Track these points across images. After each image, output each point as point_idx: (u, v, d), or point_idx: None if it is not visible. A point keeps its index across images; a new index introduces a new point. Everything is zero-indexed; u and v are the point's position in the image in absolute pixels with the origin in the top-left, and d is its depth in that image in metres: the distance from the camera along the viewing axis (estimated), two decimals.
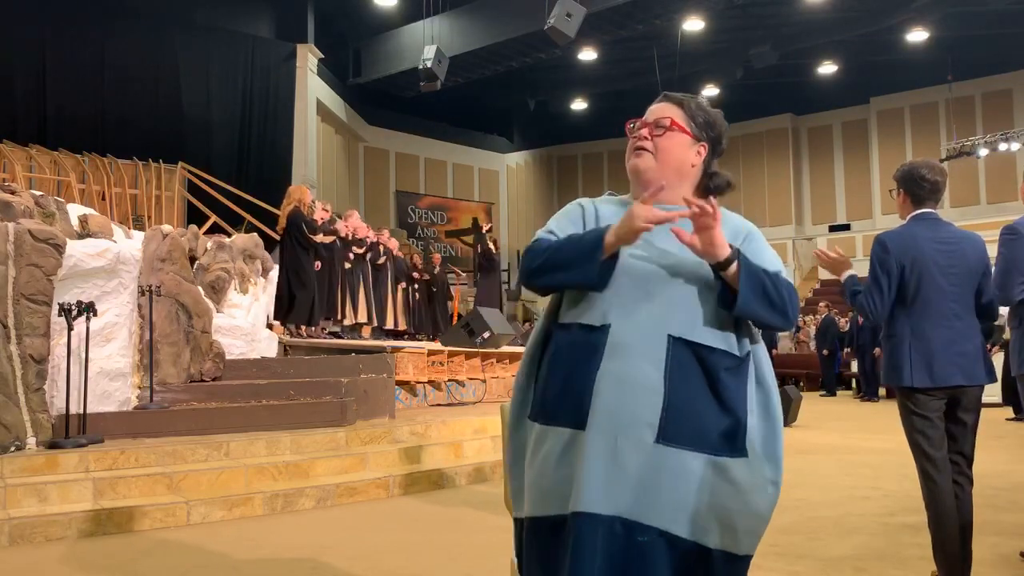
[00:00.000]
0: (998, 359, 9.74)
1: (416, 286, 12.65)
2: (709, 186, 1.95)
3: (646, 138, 1.88)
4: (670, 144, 1.87)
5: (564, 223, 1.92)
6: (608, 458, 1.69)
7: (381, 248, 11.17)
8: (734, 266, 1.74)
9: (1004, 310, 4.26)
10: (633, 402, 1.70)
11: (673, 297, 1.77)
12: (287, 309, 8.88)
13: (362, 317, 10.47)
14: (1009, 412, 10.29)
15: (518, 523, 1.90)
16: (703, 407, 1.72)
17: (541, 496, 1.78)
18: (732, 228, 1.87)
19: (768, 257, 1.85)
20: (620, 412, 1.70)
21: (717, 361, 1.75)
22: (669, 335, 1.74)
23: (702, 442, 1.71)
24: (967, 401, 3.16)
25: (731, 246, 1.76)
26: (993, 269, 3.37)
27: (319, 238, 9.25)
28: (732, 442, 1.73)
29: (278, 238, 9.46)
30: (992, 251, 3.32)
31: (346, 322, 10.17)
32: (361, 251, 10.42)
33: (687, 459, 1.69)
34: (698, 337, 1.75)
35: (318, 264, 9.22)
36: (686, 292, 1.78)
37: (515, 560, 2.00)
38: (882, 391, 13.81)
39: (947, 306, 3.12)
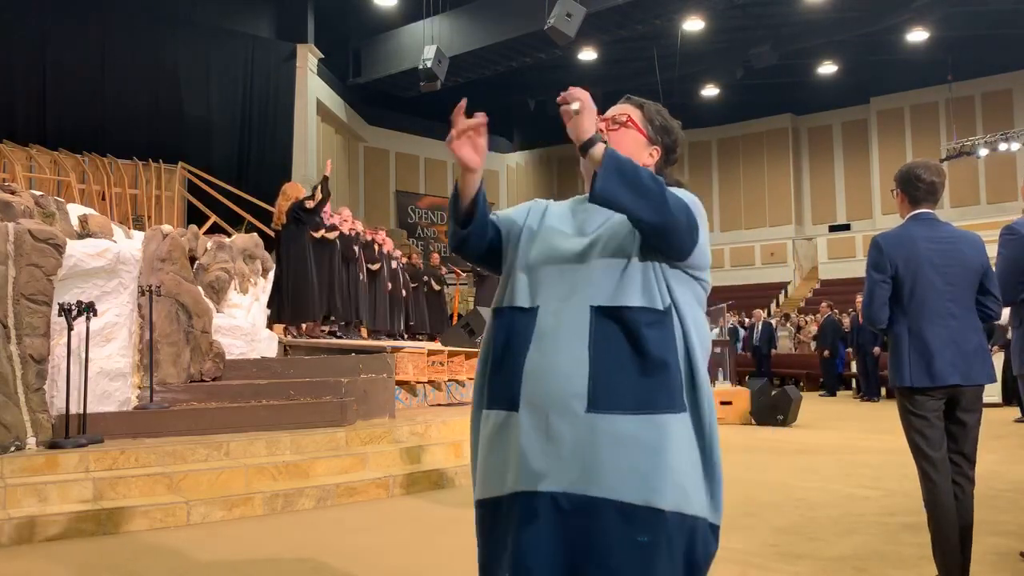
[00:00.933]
0: (999, 358, 9.76)
1: (415, 286, 12.65)
2: None
3: (601, 131, 1.88)
4: (623, 140, 1.91)
5: (507, 210, 2.02)
6: (542, 435, 1.71)
7: (377, 248, 11.17)
8: (598, 147, 1.69)
9: (1004, 311, 4.26)
10: (560, 377, 1.71)
11: (596, 270, 1.78)
12: (289, 305, 8.85)
13: (360, 317, 10.46)
14: (1015, 413, 10.27)
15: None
16: (629, 368, 1.71)
17: (483, 479, 1.82)
18: None
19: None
20: (549, 389, 1.72)
21: (637, 318, 1.73)
22: (591, 306, 1.75)
23: (634, 403, 1.69)
24: (966, 401, 3.16)
25: (598, 131, 1.73)
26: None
27: (320, 234, 9.19)
28: (669, 397, 1.71)
29: (274, 235, 9.41)
30: (991, 251, 3.32)
31: (344, 321, 10.15)
32: (321, 233, 10.19)
33: (621, 423, 1.68)
34: (618, 300, 1.74)
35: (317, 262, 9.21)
36: (608, 262, 1.78)
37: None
38: (883, 391, 13.81)
39: (944, 306, 3.13)
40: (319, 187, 9.54)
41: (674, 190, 1.78)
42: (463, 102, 1.80)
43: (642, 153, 1.94)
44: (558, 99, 1.73)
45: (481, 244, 1.92)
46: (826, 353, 15.59)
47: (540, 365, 1.74)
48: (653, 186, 1.68)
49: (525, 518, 1.70)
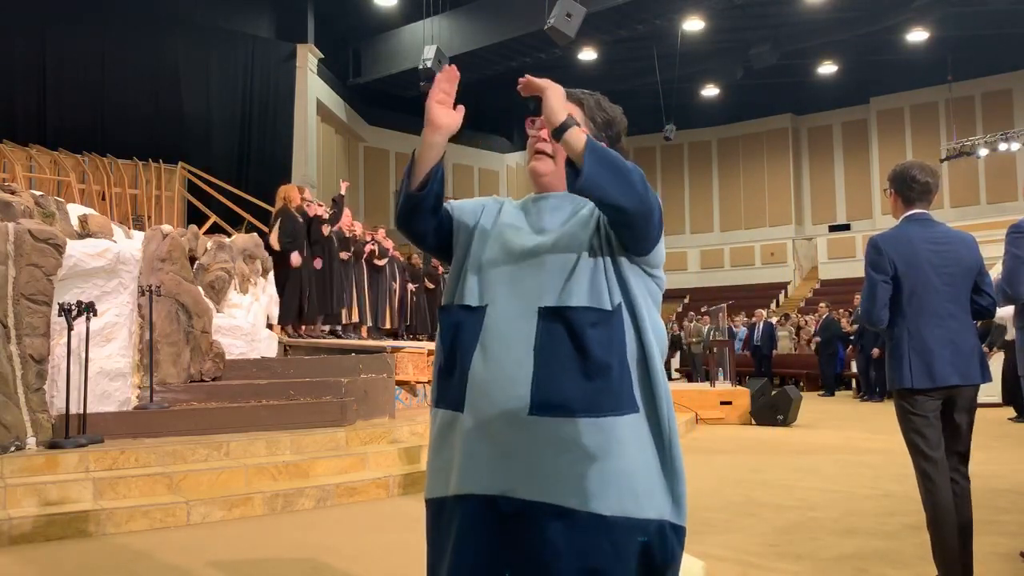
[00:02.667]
0: (997, 359, 9.76)
1: (416, 286, 12.65)
2: None
3: (545, 140, 1.84)
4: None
5: (463, 201, 1.95)
6: (483, 438, 1.68)
7: (377, 248, 11.16)
8: (573, 131, 1.63)
9: (1007, 310, 4.27)
10: (504, 379, 1.67)
11: (546, 270, 1.73)
12: (283, 310, 8.84)
13: (359, 317, 10.45)
14: (1010, 412, 10.28)
15: None
16: (573, 371, 1.65)
17: (430, 479, 1.80)
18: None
19: None
20: (492, 391, 1.68)
21: (581, 317, 1.67)
22: (539, 307, 1.70)
23: (578, 406, 1.63)
24: (962, 401, 3.16)
25: (570, 115, 1.67)
26: (1000, 267, 3.38)
27: (323, 228, 9.11)
28: (615, 399, 1.65)
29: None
30: (986, 252, 3.32)
31: (344, 321, 10.15)
32: (348, 256, 10.26)
33: (563, 427, 1.63)
34: (565, 301, 1.69)
35: (318, 262, 9.19)
36: (559, 262, 1.73)
37: None
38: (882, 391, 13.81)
39: (942, 306, 3.13)
40: (333, 205, 9.68)
41: None
42: (454, 68, 1.77)
43: None
44: (518, 87, 1.70)
45: (428, 224, 1.83)
46: (829, 352, 15.55)
47: (484, 367, 1.70)
48: (634, 173, 1.62)
49: (465, 521, 1.67)
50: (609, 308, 1.69)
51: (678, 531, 1.69)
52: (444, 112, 1.75)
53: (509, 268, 1.77)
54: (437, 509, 1.77)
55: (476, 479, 1.68)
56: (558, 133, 1.64)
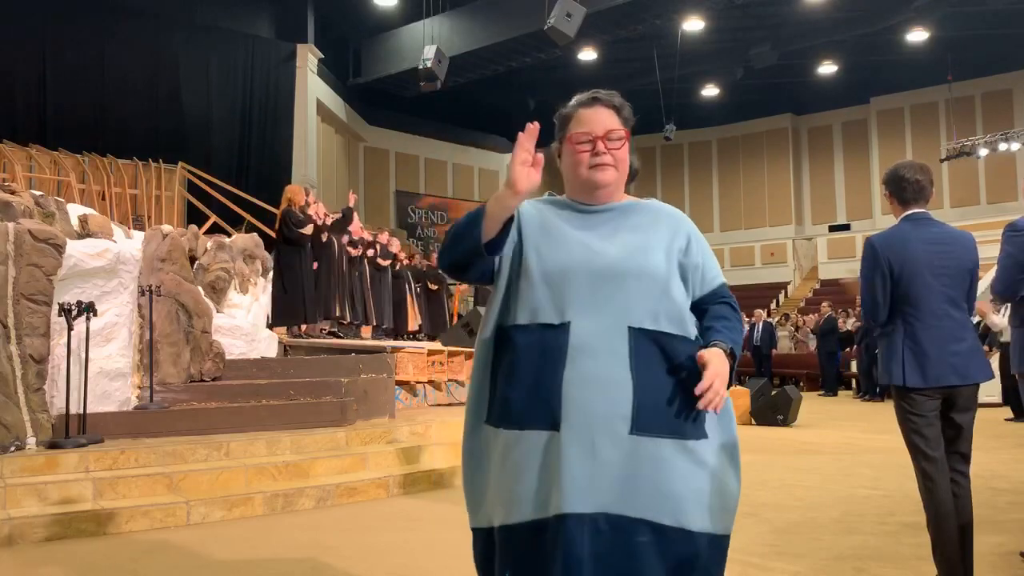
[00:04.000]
0: (994, 358, 9.75)
1: (417, 287, 12.65)
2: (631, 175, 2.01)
3: (606, 152, 1.89)
4: (625, 154, 1.93)
5: None
6: (587, 456, 1.70)
7: (378, 248, 11.17)
8: (725, 360, 1.82)
9: (1003, 319, 4.26)
10: (604, 397, 1.72)
11: (630, 289, 1.79)
12: (278, 311, 8.84)
13: (358, 317, 10.45)
14: (1007, 412, 10.28)
15: (481, 533, 1.88)
16: (670, 394, 1.77)
17: (516, 502, 1.76)
18: (671, 226, 1.91)
19: (711, 266, 1.93)
20: (592, 409, 1.72)
21: (678, 347, 1.80)
22: (629, 327, 1.76)
23: (673, 428, 1.75)
24: (962, 401, 3.16)
25: (718, 343, 1.82)
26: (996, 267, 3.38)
27: (306, 230, 9.07)
28: (697, 425, 1.79)
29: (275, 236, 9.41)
30: (986, 252, 3.33)
31: (344, 321, 10.15)
32: (358, 252, 10.38)
33: (662, 447, 1.74)
34: (657, 325, 1.79)
35: (314, 264, 9.20)
36: (642, 284, 1.80)
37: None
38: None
39: (939, 306, 3.13)
40: (343, 215, 9.78)
41: (654, 203, 1.93)
42: (536, 126, 1.78)
43: (629, 154, 1.96)
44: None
45: (485, 267, 1.86)
46: (829, 350, 15.54)
47: (580, 386, 1.73)
48: (738, 317, 1.95)
49: (571, 540, 1.68)
50: (693, 338, 1.85)
51: (727, 540, 1.87)
52: (527, 176, 1.75)
53: (588, 283, 1.80)
54: (530, 531, 1.74)
55: (580, 498, 1.69)
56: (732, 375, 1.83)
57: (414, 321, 11.99)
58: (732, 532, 1.88)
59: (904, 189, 3.24)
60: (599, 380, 1.73)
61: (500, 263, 1.89)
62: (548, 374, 1.75)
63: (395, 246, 11.96)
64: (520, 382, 1.79)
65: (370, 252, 10.73)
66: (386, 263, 11.13)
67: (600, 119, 1.91)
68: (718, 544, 1.79)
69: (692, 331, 1.85)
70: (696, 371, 1.77)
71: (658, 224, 1.90)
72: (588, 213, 1.91)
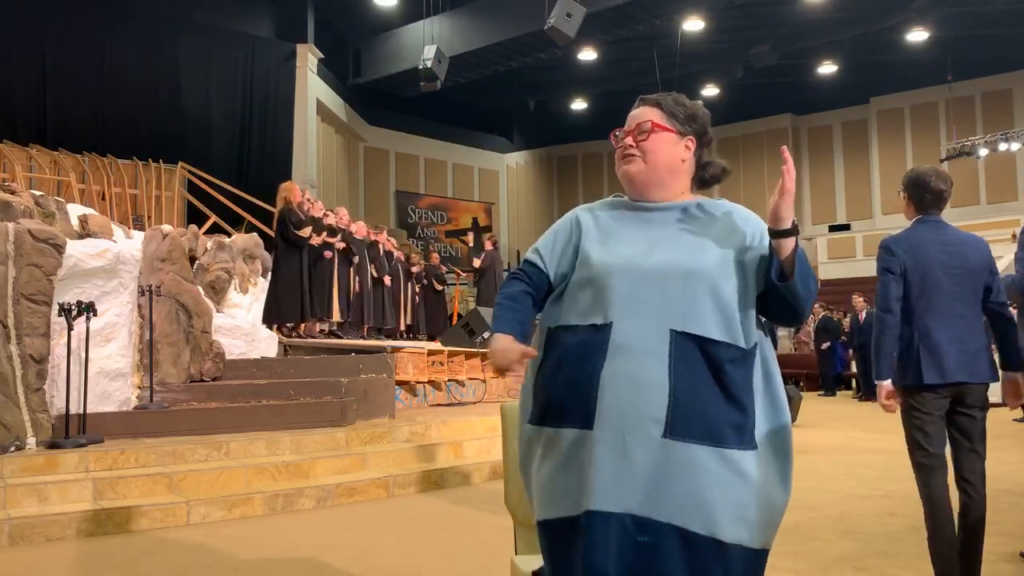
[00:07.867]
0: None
1: (417, 287, 12.65)
2: (704, 177, 1.98)
3: (632, 144, 1.89)
4: (656, 145, 1.89)
5: (550, 243, 1.96)
6: (617, 455, 1.69)
7: (380, 248, 11.16)
8: (792, 241, 1.74)
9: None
10: (639, 398, 1.70)
11: (674, 292, 1.76)
12: (274, 311, 8.82)
13: (358, 317, 10.45)
14: (1016, 412, 10.26)
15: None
16: (709, 400, 1.72)
17: (552, 498, 1.78)
18: (753, 227, 1.87)
19: None
20: (626, 409, 1.70)
21: (721, 353, 1.74)
22: (671, 329, 1.73)
23: (710, 435, 1.70)
24: (972, 399, 3.19)
25: (793, 221, 1.76)
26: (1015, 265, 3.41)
27: (316, 240, 9.10)
28: (741, 434, 1.73)
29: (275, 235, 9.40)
30: (995, 251, 3.34)
31: (343, 321, 10.13)
32: (342, 246, 10.01)
33: (696, 452, 1.69)
34: (701, 330, 1.74)
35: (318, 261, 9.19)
36: (687, 287, 1.76)
37: (514, 560, 1.98)
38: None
39: (951, 306, 3.18)
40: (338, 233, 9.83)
41: (740, 210, 1.88)
42: (534, 352, 1.86)
43: (677, 150, 1.91)
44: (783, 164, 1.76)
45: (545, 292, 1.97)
46: (824, 347, 15.54)
47: (616, 386, 1.72)
48: (814, 289, 1.81)
49: (595, 538, 1.68)
50: (744, 347, 1.77)
51: (765, 555, 1.79)
52: (506, 369, 1.82)
53: (631, 282, 1.79)
54: (563, 528, 1.75)
55: (609, 496, 1.68)
56: (784, 234, 1.74)
57: (403, 320, 11.97)
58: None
59: (924, 198, 3.28)
60: (634, 380, 1.71)
61: (555, 276, 1.92)
62: (586, 373, 1.75)
63: (392, 245, 11.91)
64: (560, 381, 1.80)
65: (340, 245, 10.16)
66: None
67: (636, 115, 1.94)
68: (754, 557, 1.73)
69: (741, 337, 1.77)
70: (739, 381, 1.74)
71: (717, 222, 1.86)
72: (644, 211, 1.90)
